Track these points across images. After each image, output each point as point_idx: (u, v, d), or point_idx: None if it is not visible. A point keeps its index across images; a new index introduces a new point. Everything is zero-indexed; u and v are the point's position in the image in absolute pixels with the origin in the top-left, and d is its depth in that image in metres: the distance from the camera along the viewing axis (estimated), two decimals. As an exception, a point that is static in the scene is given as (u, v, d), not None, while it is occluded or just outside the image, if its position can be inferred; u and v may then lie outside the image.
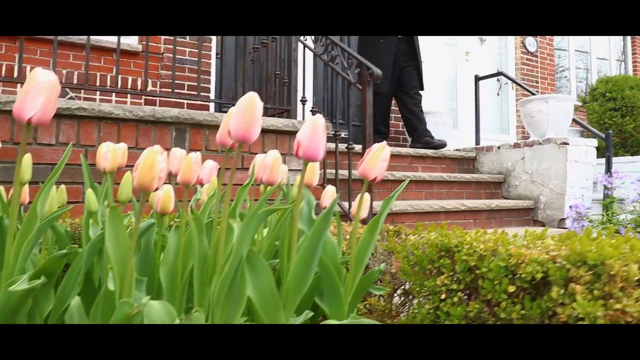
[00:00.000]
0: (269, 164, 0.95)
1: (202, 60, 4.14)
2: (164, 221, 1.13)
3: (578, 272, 0.83)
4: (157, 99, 3.81)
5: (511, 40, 6.54)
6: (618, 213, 3.44)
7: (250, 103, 0.71)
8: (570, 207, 3.52)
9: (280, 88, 2.66)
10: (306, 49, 2.78)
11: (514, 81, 4.83)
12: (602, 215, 3.48)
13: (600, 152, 4.07)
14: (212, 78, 4.23)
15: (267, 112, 2.78)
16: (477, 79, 4.96)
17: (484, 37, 6.34)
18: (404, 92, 4.31)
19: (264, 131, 2.28)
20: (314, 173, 1.18)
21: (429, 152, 3.94)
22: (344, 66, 2.47)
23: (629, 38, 8.26)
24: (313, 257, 0.85)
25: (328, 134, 2.54)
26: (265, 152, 2.32)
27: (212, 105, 4.15)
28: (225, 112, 3.49)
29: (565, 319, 0.83)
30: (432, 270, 1.13)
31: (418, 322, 1.10)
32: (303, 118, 2.79)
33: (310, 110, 2.73)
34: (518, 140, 4.15)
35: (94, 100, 3.64)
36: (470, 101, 5.58)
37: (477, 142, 4.83)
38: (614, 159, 5.39)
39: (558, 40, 7.20)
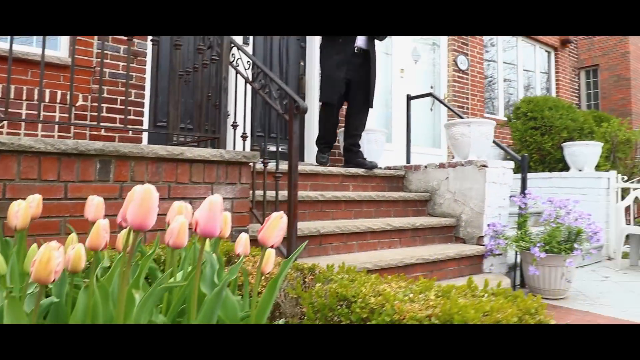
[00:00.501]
0: (174, 230, 1.01)
1: (137, 74, 4.09)
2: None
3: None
4: (88, 117, 3.73)
5: (444, 59, 6.87)
6: (530, 232, 3.72)
7: (147, 195, 0.78)
8: (488, 225, 3.79)
9: (212, 113, 2.70)
10: (238, 75, 2.85)
11: (441, 102, 5.09)
12: (517, 233, 3.76)
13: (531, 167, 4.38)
14: (147, 93, 4.19)
15: (198, 139, 2.81)
16: (409, 98, 5.19)
17: (419, 55, 6.62)
18: (350, 108, 4.43)
19: (192, 161, 2.32)
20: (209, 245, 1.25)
21: (360, 171, 4.10)
22: (274, 96, 2.56)
23: (552, 54, 8.87)
24: (210, 319, 0.93)
25: (257, 162, 2.62)
26: (193, 182, 2.36)
27: (146, 121, 4.11)
28: (160, 127, 3.46)
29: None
30: (333, 317, 1.24)
31: None
32: (234, 145, 2.85)
33: (241, 136, 2.79)
34: (443, 161, 4.38)
35: (20, 115, 3.52)
36: (404, 117, 5.83)
37: (408, 160, 5.06)
38: (534, 174, 5.82)
39: (489, 56, 7.63)
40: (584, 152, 5.61)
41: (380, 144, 5.12)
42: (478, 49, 7.19)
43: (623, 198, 5.32)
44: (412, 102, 5.28)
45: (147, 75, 4.18)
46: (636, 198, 5.15)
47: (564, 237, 3.63)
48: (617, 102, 11.74)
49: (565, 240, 3.61)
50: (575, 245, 3.53)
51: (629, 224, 5.06)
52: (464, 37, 6.97)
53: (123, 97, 3.94)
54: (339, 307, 1.20)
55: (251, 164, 2.55)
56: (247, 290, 1.18)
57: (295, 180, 2.40)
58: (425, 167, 4.34)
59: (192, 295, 0.90)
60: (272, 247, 1.01)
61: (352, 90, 4.29)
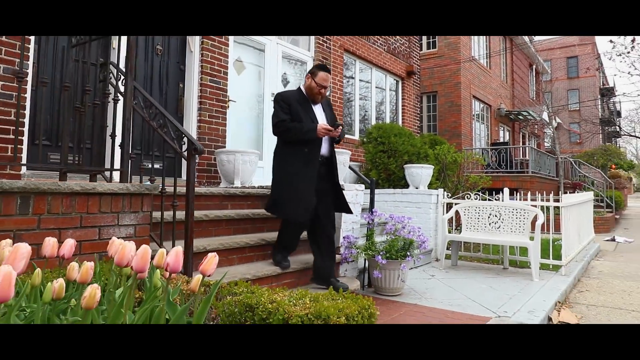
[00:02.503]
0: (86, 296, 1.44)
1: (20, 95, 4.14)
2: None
3: (317, 321, 1.60)
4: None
5: (309, 86, 7.70)
6: (376, 242, 4.62)
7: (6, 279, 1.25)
8: (344, 237, 4.61)
9: (112, 148, 3.06)
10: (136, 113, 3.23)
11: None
12: (365, 243, 4.64)
13: (385, 184, 5.32)
14: (27, 112, 4.24)
15: (93, 172, 3.13)
16: (280, 124, 5.86)
17: (288, 81, 7.36)
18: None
19: (102, 194, 2.69)
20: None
21: (237, 191, 4.65)
22: (172, 136, 3.01)
23: (400, 83, 10.30)
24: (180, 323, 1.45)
25: (156, 193, 3.05)
26: (102, 212, 2.73)
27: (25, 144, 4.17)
28: (44, 144, 3.66)
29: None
30: (241, 320, 1.81)
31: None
32: (130, 179, 3.23)
33: (139, 168, 3.18)
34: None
35: None
36: (275, 138, 6.50)
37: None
38: (383, 190, 6.91)
39: (347, 81, 8.68)
40: (420, 173, 6.84)
41: (254, 164, 5.71)
42: (339, 77, 8.18)
43: (448, 211, 6.63)
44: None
45: (28, 95, 4.24)
46: (456, 211, 6.47)
47: (400, 246, 4.60)
48: (451, 124, 13.88)
49: (401, 249, 4.57)
50: (408, 253, 4.51)
51: (451, 232, 6.35)
52: (328, 65, 7.89)
53: (2, 117, 3.98)
54: (245, 312, 1.78)
55: (151, 194, 2.97)
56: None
57: (192, 209, 2.90)
58: (294, 187, 5.03)
59: (162, 311, 1.41)
60: (209, 275, 1.55)
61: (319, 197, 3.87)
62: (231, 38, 6.26)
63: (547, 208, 6.07)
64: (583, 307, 4.55)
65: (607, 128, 37.19)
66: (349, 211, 4.08)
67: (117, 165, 3.20)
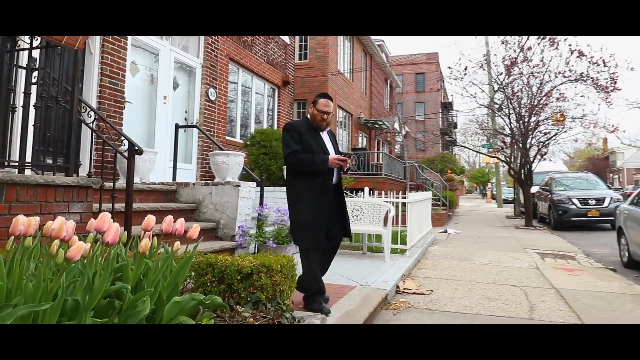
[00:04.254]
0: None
1: None
2: None
3: (261, 269, 2.51)
4: None
5: (198, 90, 8.33)
6: (266, 230, 5.55)
7: None
8: (239, 227, 5.47)
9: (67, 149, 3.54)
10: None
11: (204, 133, 6.55)
12: (257, 231, 5.54)
13: (272, 183, 6.22)
14: None
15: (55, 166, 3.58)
16: (177, 127, 6.50)
17: (178, 84, 7.92)
18: None
19: (57, 186, 3.22)
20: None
21: (145, 186, 5.23)
22: (112, 138, 3.59)
23: (277, 91, 11.31)
24: (178, 282, 2.25)
25: (97, 187, 3.62)
26: (57, 201, 3.29)
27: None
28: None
29: (257, 284, 2.49)
30: (203, 273, 2.63)
31: (199, 291, 2.58)
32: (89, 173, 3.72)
33: (92, 166, 3.70)
34: (208, 181, 5.86)
35: None
36: (166, 138, 7.07)
37: (174, 178, 6.35)
38: (266, 188, 7.84)
39: (232, 88, 9.43)
40: (297, 174, 7.91)
41: (152, 162, 6.25)
42: (224, 84, 8.92)
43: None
44: (168, 123, 6.58)
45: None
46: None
47: (286, 233, 5.59)
48: (318, 130, 15.26)
49: (287, 235, 5.57)
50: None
51: (322, 224, 7.53)
52: (215, 73, 8.59)
53: None
54: (207, 267, 2.61)
55: (93, 187, 3.54)
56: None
57: (130, 200, 3.55)
58: (194, 184, 5.75)
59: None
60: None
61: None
62: (129, 41, 6.67)
63: (397, 204, 7.58)
64: (421, 279, 6.01)
65: (445, 137, 42.72)
66: (350, 236, 4.18)
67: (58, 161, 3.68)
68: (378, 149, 22.64)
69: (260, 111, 10.89)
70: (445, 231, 12.14)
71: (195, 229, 2.50)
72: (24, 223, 2.00)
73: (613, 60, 13.20)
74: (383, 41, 25.19)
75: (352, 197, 7.62)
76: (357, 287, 4.96)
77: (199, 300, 2.29)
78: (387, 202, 7.37)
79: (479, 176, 51.18)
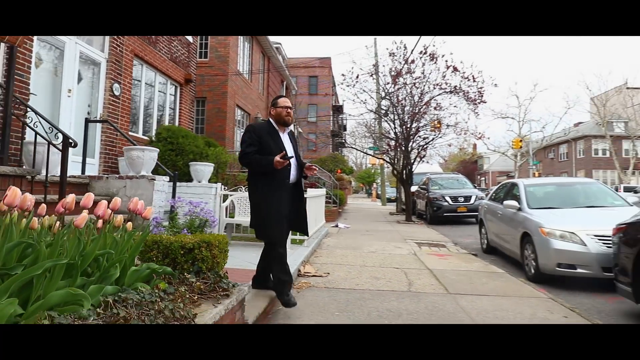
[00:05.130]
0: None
1: None
2: None
3: (202, 244, 3.07)
4: None
5: (102, 84, 8.35)
6: (179, 221, 5.96)
7: None
8: (154, 218, 5.81)
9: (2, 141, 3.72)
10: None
11: (117, 129, 6.72)
12: (170, 222, 5.93)
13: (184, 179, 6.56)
14: None
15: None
16: (87, 121, 6.60)
17: (82, 78, 7.90)
18: None
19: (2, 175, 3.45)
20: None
21: (56, 179, 5.37)
22: (45, 130, 3.83)
23: (179, 89, 11.49)
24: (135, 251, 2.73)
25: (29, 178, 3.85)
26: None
27: None
28: None
29: (199, 257, 3.04)
30: (149, 250, 3.10)
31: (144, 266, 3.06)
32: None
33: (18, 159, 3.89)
34: (122, 174, 6.10)
35: None
36: (70, 131, 7.10)
37: (83, 171, 6.46)
38: (170, 183, 8.13)
39: (135, 84, 9.49)
40: (203, 170, 8.32)
41: (58, 155, 6.32)
42: (129, 79, 9.00)
43: (225, 200, 8.30)
44: (73, 116, 6.66)
45: None
46: (231, 201, 8.19)
47: (197, 223, 6.05)
48: (217, 128, 15.61)
49: (198, 226, 6.03)
50: (205, 229, 6.01)
51: (227, 217, 8.05)
52: (120, 68, 8.66)
53: None
54: (153, 245, 3.08)
55: (28, 176, 3.79)
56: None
57: (64, 190, 3.84)
58: (107, 177, 5.97)
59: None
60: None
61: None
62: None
63: (297, 199, 8.34)
64: (318, 265, 6.81)
65: (336, 139, 44.75)
66: (307, 233, 4.70)
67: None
68: (273, 148, 23.29)
69: (163, 108, 11.02)
70: (337, 226, 13.20)
71: (149, 209, 2.98)
72: None
73: (481, 76, 15.36)
74: (280, 43, 25.96)
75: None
76: (265, 271, 5.60)
77: (153, 269, 2.79)
78: (288, 197, 8.10)
79: (365, 176, 54.44)
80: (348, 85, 16.44)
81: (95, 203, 2.80)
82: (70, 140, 3.74)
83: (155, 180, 5.84)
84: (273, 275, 4.30)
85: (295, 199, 4.26)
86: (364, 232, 12.20)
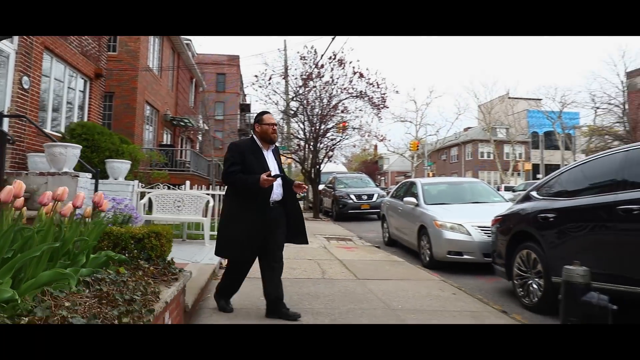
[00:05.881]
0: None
1: None
2: None
3: (151, 234, 3.45)
4: None
5: (10, 77, 8.05)
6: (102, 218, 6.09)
7: None
8: (76, 215, 5.90)
9: None
10: None
11: (34, 124, 6.63)
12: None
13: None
14: None
15: None
16: (1, 115, 6.44)
17: (-12, 70, 7.58)
18: None
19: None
20: None
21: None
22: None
23: (89, 83, 11.19)
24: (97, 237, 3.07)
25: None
26: None
27: None
28: None
29: (148, 245, 3.42)
30: (100, 240, 3.41)
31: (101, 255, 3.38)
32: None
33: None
34: (43, 170, 6.09)
35: None
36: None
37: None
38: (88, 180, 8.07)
39: (45, 79, 9.18)
40: (120, 167, 8.36)
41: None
42: (38, 72, 8.73)
43: (142, 198, 8.41)
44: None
45: None
46: (149, 199, 8.33)
47: (121, 220, 6.21)
48: (126, 125, 15.29)
49: (122, 222, 6.19)
50: (130, 224, 6.19)
51: (149, 213, 8.18)
52: (30, 60, 8.38)
53: None
54: (104, 236, 3.39)
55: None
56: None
57: (2, 180, 3.96)
58: (27, 173, 5.94)
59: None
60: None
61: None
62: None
63: (215, 196, 8.69)
64: (238, 257, 7.26)
65: (243, 137, 44.79)
66: (299, 242, 4.22)
67: None
68: (181, 146, 23.09)
69: (72, 103, 10.71)
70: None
71: (106, 203, 3.30)
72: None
73: (384, 83, 16.54)
74: (190, 40, 25.65)
75: (175, 189, 8.44)
76: (190, 264, 5.96)
77: (110, 256, 3.13)
78: (207, 194, 8.42)
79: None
80: (260, 86, 16.91)
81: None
82: (8, 137, 3.87)
83: (79, 177, 5.93)
84: (223, 279, 4.32)
85: (289, 214, 4.09)
86: (276, 228, 12.77)
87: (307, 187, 4.88)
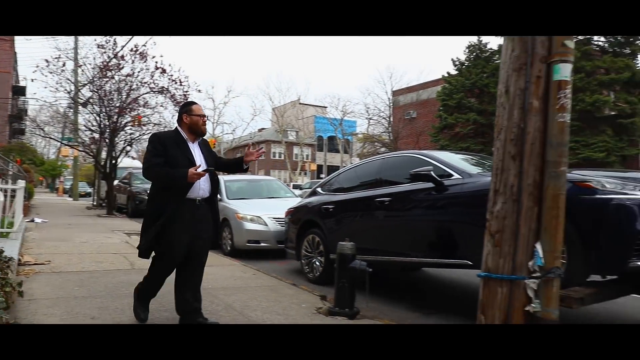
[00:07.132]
0: None
1: None
2: None
3: None
4: None
5: None
6: None
7: None
8: None
9: None
10: None
11: None
12: None
13: None
14: None
15: None
16: None
17: None
18: None
19: None
20: None
21: None
22: None
23: None
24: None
25: None
26: None
27: None
28: None
29: None
30: None
31: None
32: None
33: None
34: None
35: None
36: None
37: None
38: None
39: None
40: None
41: None
42: None
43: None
44: None
45: None
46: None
47: None
48: None
49: None
50: None
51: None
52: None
53: None
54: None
55: None
56: None
57: None
58: None
59: None
60: None
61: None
62: None
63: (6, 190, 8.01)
64: (35, 255, 6.96)
65: (14, 124, 39.03)
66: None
67: None
68: None
69: None
70: (33, 220, 12.48)
71: None
72: None
73: (187, 81, 16.68)
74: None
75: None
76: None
77: None
78: (-7, 188, 7.73)
79: (50, 169, 48.51)
80: (51, 72, 15.45)
81: None
82: None
83: None
84: (143, 283, 4.01)
85: (210, 215, 3.85)
86: (67, 225, 12.09)
87: (258, 154, 4.35)
